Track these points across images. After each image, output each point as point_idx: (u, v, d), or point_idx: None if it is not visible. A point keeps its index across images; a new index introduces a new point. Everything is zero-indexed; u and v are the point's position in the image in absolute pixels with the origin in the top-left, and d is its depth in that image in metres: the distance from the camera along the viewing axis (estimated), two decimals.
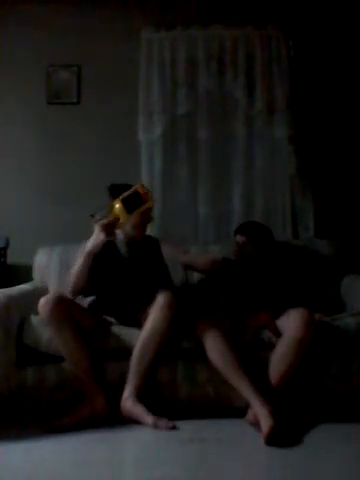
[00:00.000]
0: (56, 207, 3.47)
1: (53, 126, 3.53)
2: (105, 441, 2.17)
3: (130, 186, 2.56)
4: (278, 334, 2.44)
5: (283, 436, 2.09)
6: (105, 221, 2.43)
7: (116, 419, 2.33)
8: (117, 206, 2.41)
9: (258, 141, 3.43)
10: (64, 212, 3.44)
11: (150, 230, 3.35)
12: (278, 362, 2.33)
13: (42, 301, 2.41)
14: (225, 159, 3.45)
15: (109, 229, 2.43)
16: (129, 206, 2.42)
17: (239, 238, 2.85)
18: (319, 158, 3.46)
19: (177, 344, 2.48)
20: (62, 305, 2.41)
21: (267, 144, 3.43)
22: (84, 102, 3.53)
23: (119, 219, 2.43)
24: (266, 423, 2.11)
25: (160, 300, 2.43)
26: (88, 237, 2.56)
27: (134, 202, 2.45)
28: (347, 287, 2.97)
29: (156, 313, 2.41)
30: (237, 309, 2.65)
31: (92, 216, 2.51)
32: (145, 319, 2.45)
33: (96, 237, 2.45)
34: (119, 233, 2.62)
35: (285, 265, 2.90)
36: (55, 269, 3.08)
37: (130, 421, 2.31)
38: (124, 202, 2.41)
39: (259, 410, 2.18)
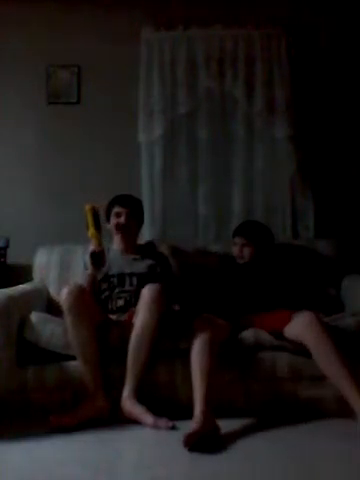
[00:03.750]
0: (56, 207, 3.48)
1: (53, 126, 3.52)
2: (105, 441, 2.17)
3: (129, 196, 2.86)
4: (278, 336, 2.44)
5: (204, 443, 2.03)
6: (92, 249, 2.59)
7: (116, 419, 2.33)
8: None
9: (258, 141, 3.42)
10: (64, 212, 3.44)
11: (150, 230, 3.36)
12: (326, 365, 2.28)
13: (65, 290, 2.41)
14: (225, 159, 3.45)
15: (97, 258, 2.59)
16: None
17: (237, 240, 2.84)
18: (319, 158, 3.46)
19: (176, 344, 2.48)
20: (83, 297, 2.43)
21: (267, 144, 3.42)
22: (84, 102, 3.52)
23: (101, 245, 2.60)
24: (194, 426, 2.09)
25: (145, 295, 2.41)
26: (88, 237, 2.59)
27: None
28: (347, 287, 2.97)
29: (142, 309, 2.39)
30: (237, 309, 2.65)
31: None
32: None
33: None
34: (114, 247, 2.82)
35: (285, 265, 2.89)
36: (55, 269, 3.09)
37: (130, 421, 2.31)
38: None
39: (198, 414, 2.15)
